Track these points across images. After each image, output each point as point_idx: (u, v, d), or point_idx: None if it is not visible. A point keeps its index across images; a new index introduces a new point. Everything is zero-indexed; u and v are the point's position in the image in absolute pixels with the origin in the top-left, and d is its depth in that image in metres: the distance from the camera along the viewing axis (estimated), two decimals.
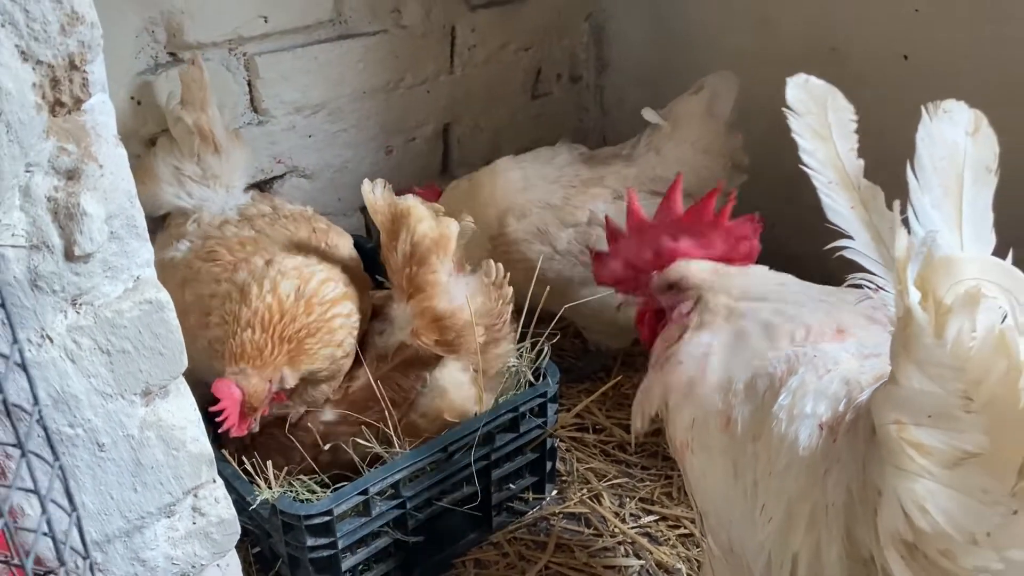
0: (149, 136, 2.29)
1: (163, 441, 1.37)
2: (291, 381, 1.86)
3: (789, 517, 1.25)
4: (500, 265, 2.03)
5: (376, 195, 1.97)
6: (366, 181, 1.98)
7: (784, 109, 1.22)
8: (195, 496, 1.48)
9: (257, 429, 1.85)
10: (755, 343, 1.41)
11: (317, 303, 1.89)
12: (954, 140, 1.11)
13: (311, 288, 1.91)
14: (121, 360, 1.28)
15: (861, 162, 1.19)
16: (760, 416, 1.34)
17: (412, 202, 1.95)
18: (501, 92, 3.00)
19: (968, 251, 1.07)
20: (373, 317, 2.14)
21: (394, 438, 1.97)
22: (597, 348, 2.70)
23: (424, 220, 1.92)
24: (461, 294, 1.96)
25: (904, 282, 0.98)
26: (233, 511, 1.55)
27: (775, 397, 1.31)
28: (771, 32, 2.69)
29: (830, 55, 2.59)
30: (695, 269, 1.58)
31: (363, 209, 2.84)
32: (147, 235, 1.28)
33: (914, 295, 0.97)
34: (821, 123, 1.21)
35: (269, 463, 1.97)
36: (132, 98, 2.23)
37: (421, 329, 1.95)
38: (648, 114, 2.47)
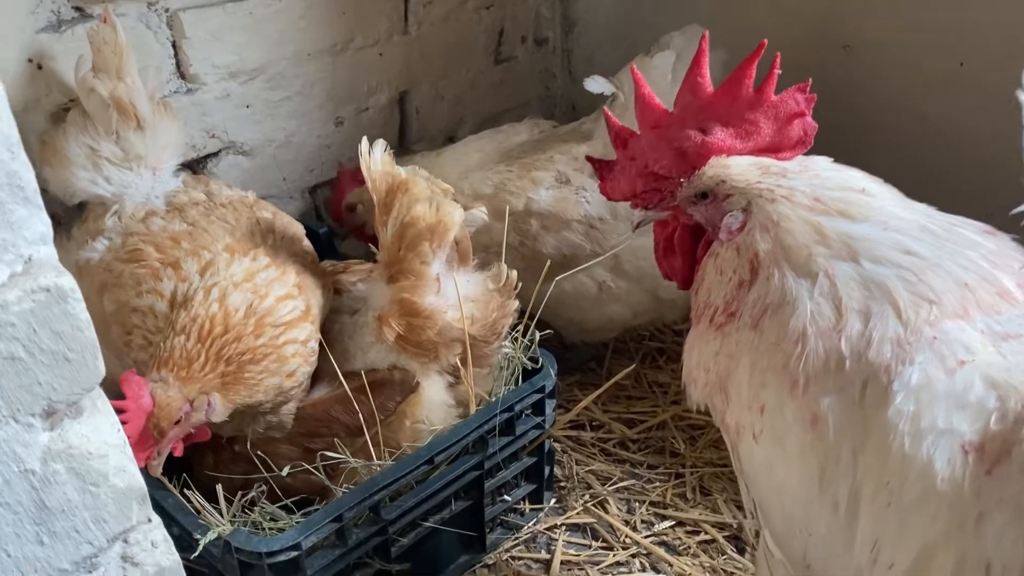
0: (55, 107, 1.92)
1: (76, 475, 1.04)
2: (221, 412, 1.54)
3: (922, 567, 0.98)
4: (513, 272, 1.74)
5: (374, 159, 1.64)
6: (364, 140, 1.65)
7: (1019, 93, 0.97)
8: (124, 542, 1.15)
9: (159, 463, 1.51)
10: (848, 303, 1.10)
11: (270, 324, 1.58)
12: None
13: (266, 306, 1.60)
14: (10, 371, 0.95)
15: None
16: (861, 419, 1.06)
17: (413, 177, 1.64)
18: (461, 55, 2.69)
19: None
20: (343, 292, 1.84)
21: (371, 450, 1.66)
22: (574, 344, 2.41)
23: (421, 201, 1.61)
24: (453, 292, 1.66)
25: None
26: (175, 556, 1.23)
27: (884, 396, 1.03)
28: None
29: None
30: (736, 169, 1.23)
31: (312, 191, 2.52)
32: (40, 201, 0.95)
33: None
34: None
35: (219, 487, 1.63)
36: (31, 61, 1.86)
37: (389, 317, 1.65)
38: (593, 84, 2.08)
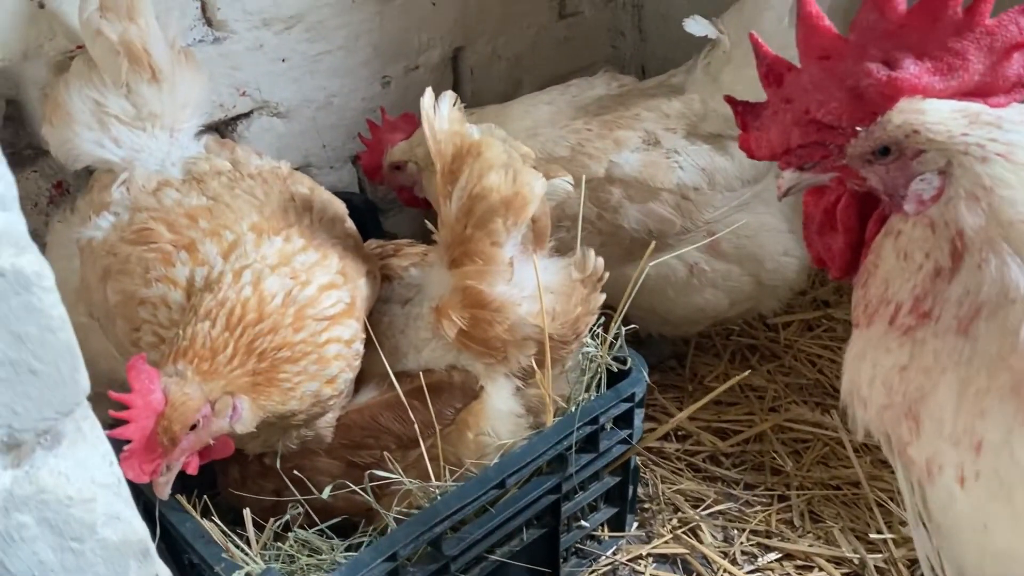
0: (60, 55, 1.64)
1: (51, 528, 0.76)
2: (248, 421, 1.26)
3: None
4: (600, 260, 1.44)
5: (440, 115, 1.35)
6: (428, 92, 1.37)
7: None
8: None
9: (166, 480, 1.22)
10: None
11: (312, 317, 1.31)
12: None
13: (308, 295, 1.32)
14: None
15: None
16: None
17: (487, 138, 1.35)
18: (523, 8, 2.38)
19: None
20: (393, 279, 1.55)
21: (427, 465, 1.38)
22: (649, 336, 2.09)
23: (495, 168, 1.31)
24: (528, 281, 1.36)
25: None
26: None
27: None
28: None
29: None
30: (935, 116, 0.94)
31: (355, 159, 2.22)
32: None
33: None
34: None
35: (247, 512, 1.36)
36: None
37: (450, 309, 1.37)
38: (694, 25, 1.77)
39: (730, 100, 1.07)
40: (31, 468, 0.75)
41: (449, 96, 1.36)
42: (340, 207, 1.56)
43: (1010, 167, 0.91)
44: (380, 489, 1.39)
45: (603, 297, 1.47)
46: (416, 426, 1.36)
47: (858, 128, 0.98)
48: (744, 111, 1.06)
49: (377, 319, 1.48)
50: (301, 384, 1.29)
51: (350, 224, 1.55)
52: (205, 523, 1.33)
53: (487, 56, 2.36)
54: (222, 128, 1.95)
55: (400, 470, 1.37)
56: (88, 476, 0.79)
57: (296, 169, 2.05)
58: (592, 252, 1.44)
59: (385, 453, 1.37)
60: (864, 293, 1.04)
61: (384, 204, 2.32)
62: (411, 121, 2.02)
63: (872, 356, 1.00)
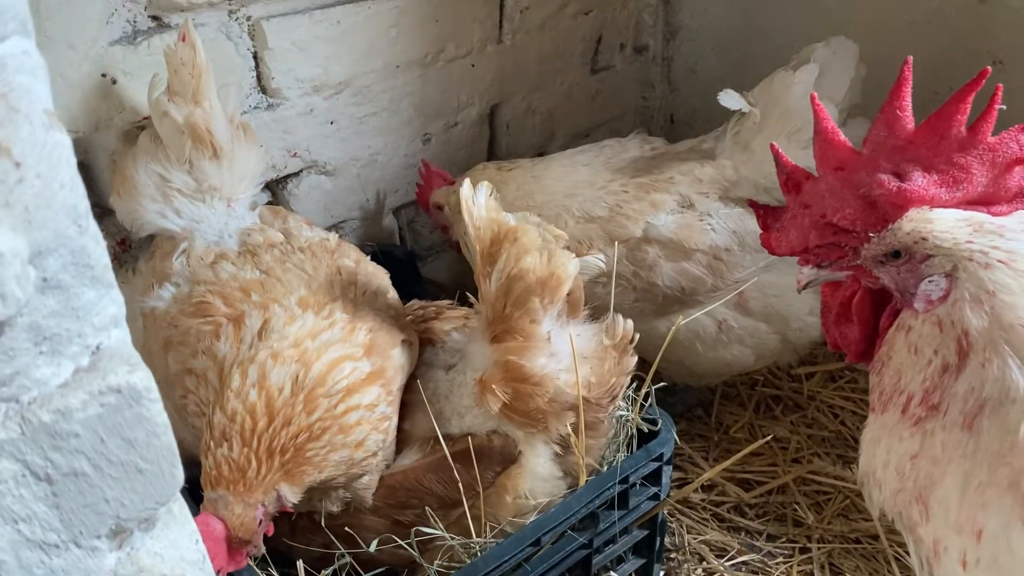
0: (127, 126, 1.76)
1: None
2: (292, 498, 1.37)
3: None
4: (629, 323, 1.52)
5: (478, 205, 1.43)
6: (467, 183, 1.45)
7: None
8: None
9: (260, 552, 1.36)
10: None
11: (323, 395, 1.38)
12: None
13: (315, 375, 1.39)
14: (72, 489, 0.78)
15: None
16: None
17: (523, 224, 1.43)
18: (556, 65, 2.47)
19: None
20: (436, 343, 1.65)
21: (468, 523, 1.47)
22: (675, 384, 2.17)
23: (531, 252, 1.40)
24: (566, 351, 1.45)
25: None
26: None
27: None
28: None
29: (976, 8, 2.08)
30: (941, 225, 1.02)
31: (396, 211, 2.33)
32: (111, 277, 0.77)
33: None
34: None
35: (300, 564, 1.45)
36: (104, 75, 1.70)
37: (493, 383, 1.45)
38: (727, 99, 1.85)
39: (753, 204, 1.17)
40: (132, 550, 0.85)
41: (486, 186, 1.45)
42: (382, 280, 1.65)
43: (1011, 273, 0.99)
44: (423, 544, 1.48)
45: (635, 360, 1.55)
46: (459, 487, 1.45)
47: (871, 233, 1.07)
48: (765, 214, 1.15)
49: (424, 384, 1.56)
50: (330, 455, 1.38)
51: (391, 296, 1.64)
52: (260, 571, 1.43)
53: (522, 112, 2.47)
54: (274, 187, 2.07)
55: (443, 527, 1.46)
56: (179, 554, 0.89)
57: (340, 223, 2.20)
58: (621, 317, 1.52)
59: (427, 509, 1.47)
60: (879, 380, 1.12)
61: (422, 251, 2.44)
62: (449, 178, 2.15)
63: (886, 442, 1.08)
